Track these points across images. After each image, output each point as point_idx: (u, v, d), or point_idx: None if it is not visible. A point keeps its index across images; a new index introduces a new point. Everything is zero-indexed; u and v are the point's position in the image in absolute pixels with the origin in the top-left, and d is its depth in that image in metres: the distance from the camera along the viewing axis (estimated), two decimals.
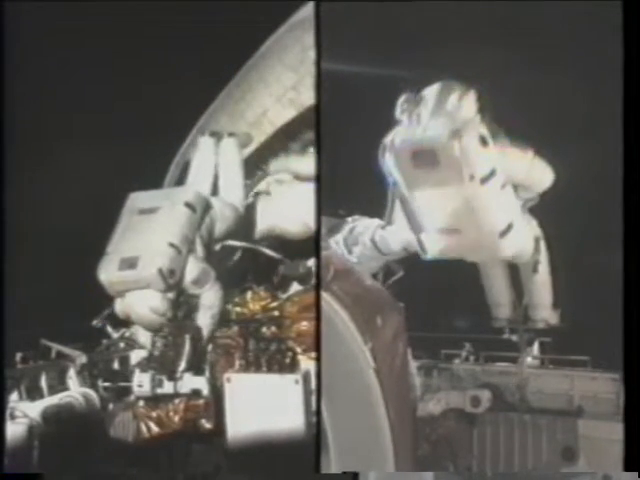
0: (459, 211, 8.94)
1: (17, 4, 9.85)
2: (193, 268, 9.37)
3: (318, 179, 9.80)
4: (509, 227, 9.05)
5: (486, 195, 8.88)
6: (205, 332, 9.40)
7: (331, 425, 7.79)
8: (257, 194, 10.99)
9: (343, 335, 7.74)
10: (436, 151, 8.75)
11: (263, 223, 10.77)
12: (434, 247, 9.31)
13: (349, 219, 10.36)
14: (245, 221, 10.59)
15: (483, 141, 8.83)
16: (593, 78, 10.32)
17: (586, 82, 10.25)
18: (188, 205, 9.68)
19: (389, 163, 9.15)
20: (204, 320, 9.42)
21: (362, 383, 7.72)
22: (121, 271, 9.13)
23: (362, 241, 10.01)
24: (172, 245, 9.24)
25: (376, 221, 10.07)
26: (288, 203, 10.77)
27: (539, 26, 10.43)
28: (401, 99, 9.23)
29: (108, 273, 9.20)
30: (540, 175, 9.32)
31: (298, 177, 10.87)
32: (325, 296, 7.85)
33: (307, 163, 10.65)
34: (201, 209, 9.82)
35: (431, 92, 9.13)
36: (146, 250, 9.22)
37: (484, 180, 8.80)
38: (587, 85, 10.22)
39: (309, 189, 10.27)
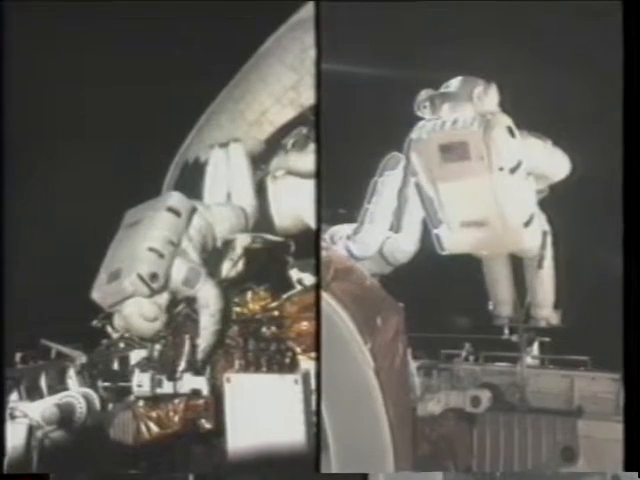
0: (487, 203, 9.12)
1: (17, 4, 9.89)
2: (180, 269, 9.35)
3: (318, 180, 9.81)
4: (532, 217, 9.26)
5: (514, 185, 9.10)
6: (207, 333, 9.34)
7: (331, 425, 7.79)
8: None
9: (343, 335, 7.74)
10: (467, 143, 8.97)
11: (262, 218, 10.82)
12: (454, 242, 9.45)
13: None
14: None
15: (511, 132, 9.07)
16: (593, 75, 10.31)
17: (585, 80, 10.25)
18: (170, 209, 9.72)
19: (414, 160, 9.29)
20: (204, 322, 9.38)
21: (362, 383, 7.71)
22: (108, 284, 9.23)
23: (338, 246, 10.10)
24: (152, 249, 9.27)
25: (347, 228, 10.13)
26: (282, 199, 10.83)
27: (539, 23, 10.43)
28: (421, 96, 9.43)
29: (98, 290, 9.32)
30: (559, 163, 9.49)
31: (297, 174, 10.87)
32: (325, 296, 7.85)
33: (304, 160, 10.68)
34: (186, 212, 9.82)
35: (453, 86, 9.37)
36: (127, 259, 9.29)
37: (513, 170, 9.03)
38: (588, 82, 10.22)
39: (303, 184, 10.47)
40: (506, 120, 9.12)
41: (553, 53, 10.59)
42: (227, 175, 10.71)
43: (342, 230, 10.11)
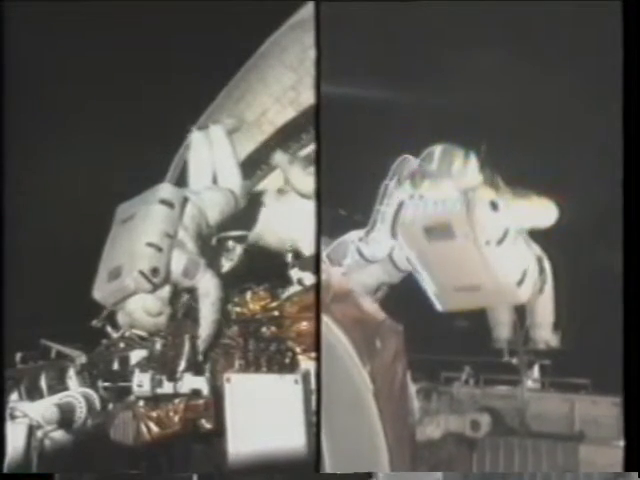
0: (477, 271, 9.16)
1: (17, 4, 9.88)
2: (179, 260, 9.38)
3: (318, 179, 9.81)
4: (525, 274, 9.28)
5: (502, 254, 9.15)
6: (208, 322, 9.35)
7: (330, 448, 7.77)
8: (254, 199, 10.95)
9: (342, 358, 7.74)
10: (451, 224, 9.04)
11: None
12: (450, 303, 9.54)
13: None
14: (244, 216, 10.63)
15: (494, 206, 9.13)
16: (590, 75, 10.32)
17: (585, 93, 10.26)
18: (163, 201, 9.72)
19: (400, 240, 9.45)
20: (205, 310, 9.40)
21: (361, 406, 7.70)
22: (109, 283, 9.25)
23: (350, 251, 10.10)
24: (150, 244, 9.29)
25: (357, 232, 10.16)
26: (280, 218, 10.76)
27: (538, 41, 10.42)
28: (404, 172, 9.58)
29: (99, 289, 9.34)
30: (545, 215, 9.50)
31: (295, 190, 10.82)
32: (324, 319, 7.87)
33: (304, 179, 10.61)
34: (179, 202, 9.82)
35: (433, 162, 9.38)
36: (127, 256, 9.30)
37: (499, 242, 9.10)
38: (586, 97, 10.23)
39: (302, 204, 10.42)
40: (488, 194, 9.18)
41: (550, 56, 10.57)
42: (210, 158, 10.64)
43: (351, 236, 10.09)
